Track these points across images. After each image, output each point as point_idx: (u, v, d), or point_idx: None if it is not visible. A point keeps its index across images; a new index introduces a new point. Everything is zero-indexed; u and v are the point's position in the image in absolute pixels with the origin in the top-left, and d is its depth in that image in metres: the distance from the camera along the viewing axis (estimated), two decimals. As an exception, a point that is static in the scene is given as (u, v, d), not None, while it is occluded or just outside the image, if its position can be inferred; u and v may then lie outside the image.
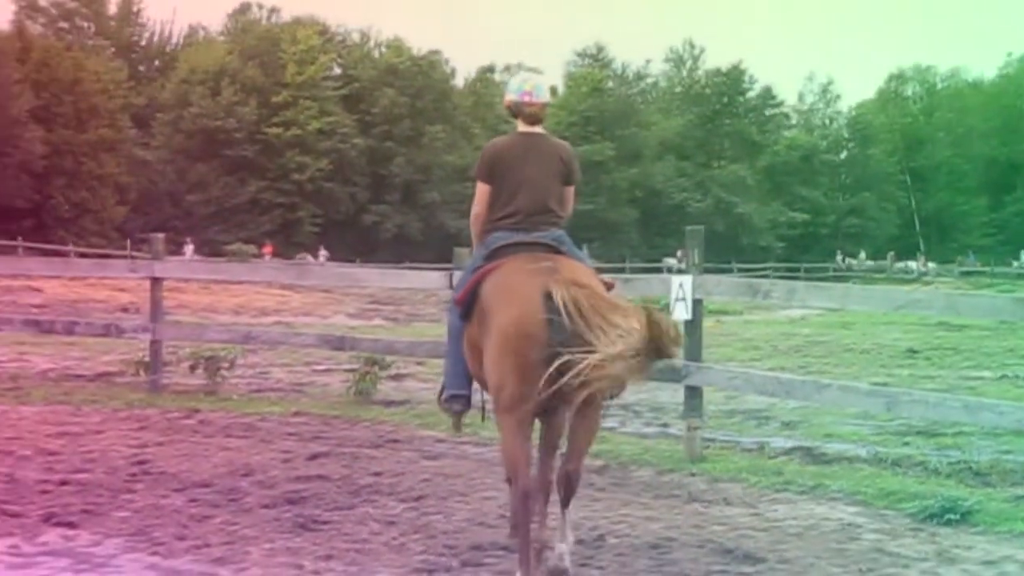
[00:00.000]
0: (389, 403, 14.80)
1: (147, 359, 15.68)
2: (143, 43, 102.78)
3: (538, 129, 8.00)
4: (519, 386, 6.72)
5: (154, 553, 7.51)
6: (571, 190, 8.01)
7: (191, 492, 9.21)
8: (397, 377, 17.08)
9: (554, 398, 6.67)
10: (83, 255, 60.53)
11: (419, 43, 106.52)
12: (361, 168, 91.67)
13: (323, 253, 72.92)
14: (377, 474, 10.10)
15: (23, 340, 20.96)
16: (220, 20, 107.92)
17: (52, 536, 7.84)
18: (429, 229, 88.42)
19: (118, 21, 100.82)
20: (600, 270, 8.05)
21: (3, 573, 7.08)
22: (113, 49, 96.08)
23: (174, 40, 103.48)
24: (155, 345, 15.49)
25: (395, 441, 11.98)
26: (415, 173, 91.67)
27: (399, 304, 39.80)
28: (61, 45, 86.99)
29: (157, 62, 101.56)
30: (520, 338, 6.69)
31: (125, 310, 32.41)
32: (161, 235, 16.65)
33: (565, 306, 6.49)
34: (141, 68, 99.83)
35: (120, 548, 7.62)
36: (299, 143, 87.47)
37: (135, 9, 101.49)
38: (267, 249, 67.79)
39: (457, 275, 9.10)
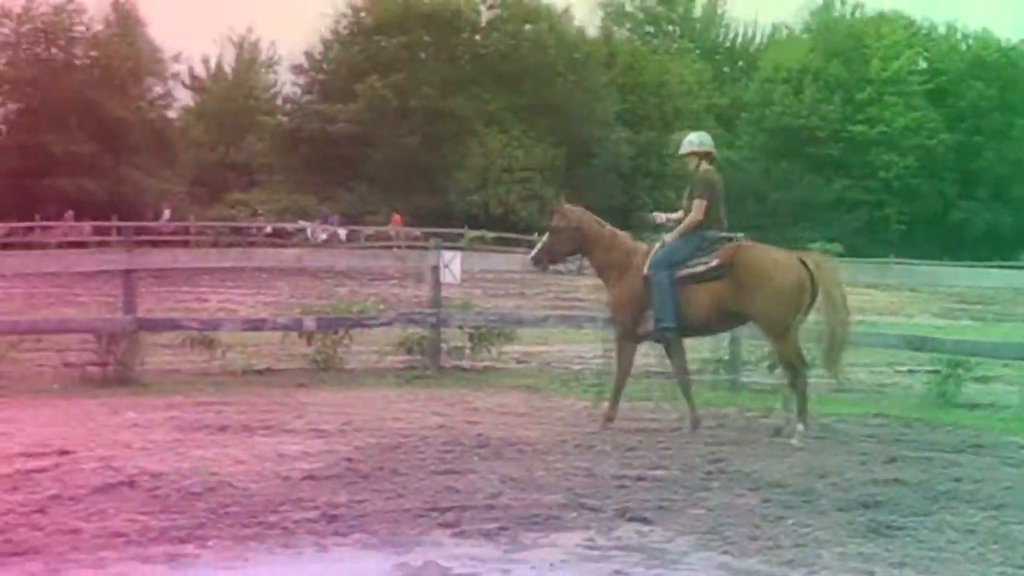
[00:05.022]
0: (973, 406, 14.30)
1: (727, 357, 15.81)
2: (727, 44, 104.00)
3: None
4: (795, 315, 11.78)
5: (725, 552, 7.53)
6: None
7: (765, 492, 9.20)
8: (982, 379, 16.44)
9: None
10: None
11: (1007, 33, 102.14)
12: (949, 164, 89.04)
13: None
14: (956, 480, 9.77)
15: (610, 337, 21.55)
16: (803, 18, 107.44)
17: (626, 531, 8.00)
18: (1021, 225, 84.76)
19: (703, 23, 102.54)
20: None
21: (578, 565, 7.28)
22: (698, 51, 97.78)
23: (757, 40, 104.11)
24: (734, 344, 15.60)
25: (977, 446, 11.57)
26: (1005, 168, 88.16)
27: (988, 303, 38.31)
28: (647, 49, 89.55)
29: (740, 62, 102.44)
30: (799, 290, 11.70)
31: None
32: (741, 235, 16.78)
33: (817, 270, 11.80)
34: (725, 69, 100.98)
35: (692, 546, 7.69)
36: (884, 140, 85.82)
37: (719, 11, 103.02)
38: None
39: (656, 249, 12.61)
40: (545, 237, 13.09)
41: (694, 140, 12.84)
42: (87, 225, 59.11)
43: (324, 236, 60.19)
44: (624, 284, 12.46)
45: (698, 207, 12.23)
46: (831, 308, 11.77)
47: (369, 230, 62.89)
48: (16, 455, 10.21)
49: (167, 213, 62.26)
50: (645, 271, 12.22)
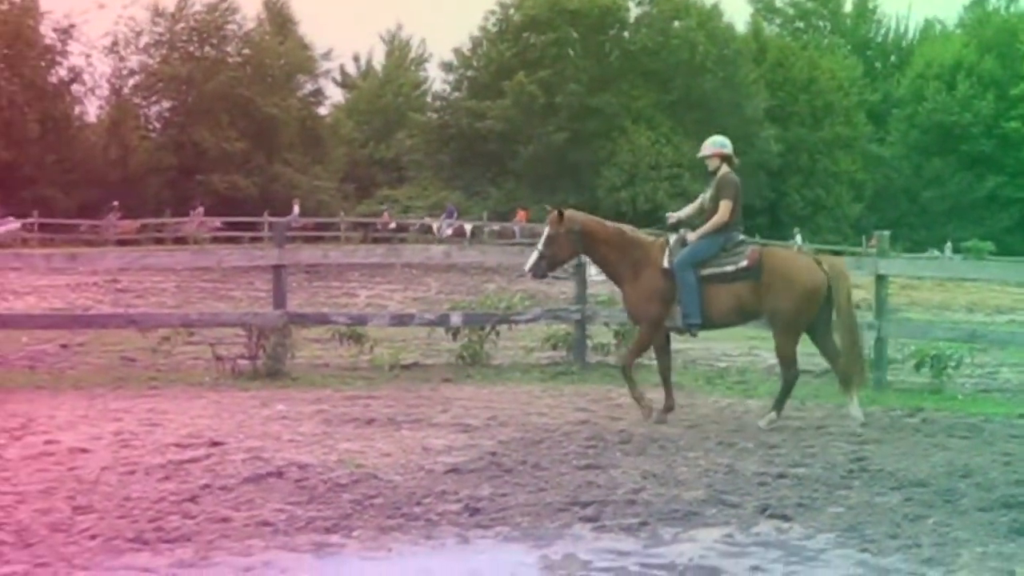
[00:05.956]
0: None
1: (872, 356, 15.69)
2: (878, 39, 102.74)
3: None
4: (810, 317, 12.38)
5: (864, 550, 7.53)
6: None
7: (907, 491, 9.14)
8: None
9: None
10: (819, 251, 61.56)
11: None
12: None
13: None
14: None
15: (755, 335, 21.47)
16: (956, 12, 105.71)
17: (766, 528, 8.04)
18: None
19: (853, 19, 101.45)
20: None
21: (717, 560, 7.33)
22: (848, 47, 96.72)
23: (910, 35, 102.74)
24: (880, 342, 15.48)
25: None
26: None
27: None
28: (797, 45, 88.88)
29: (892, 58, 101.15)
30: (819, 292, 12.28)
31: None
32: (887, 232, 16.65)
33: (832, 273, 12.43)
34: (876, 64, 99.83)
35: (831, 543, 7.70)
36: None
37: (871, 5, 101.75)
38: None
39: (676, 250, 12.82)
40: (541, 245, 12.87)
41: (717, 142, 13.04)
42: (217, 220, 60.38)
43: (449, 231, 60.57)
44: (643, 280, 12.73)
45: (724, 208, 12.58)
46: (838, 312, 12.41)
47: (495, 226, 63.21)
48: (168, 445, 10.52)
49: (296, 209, 62.92)
50: (665, 265, 12.57)
